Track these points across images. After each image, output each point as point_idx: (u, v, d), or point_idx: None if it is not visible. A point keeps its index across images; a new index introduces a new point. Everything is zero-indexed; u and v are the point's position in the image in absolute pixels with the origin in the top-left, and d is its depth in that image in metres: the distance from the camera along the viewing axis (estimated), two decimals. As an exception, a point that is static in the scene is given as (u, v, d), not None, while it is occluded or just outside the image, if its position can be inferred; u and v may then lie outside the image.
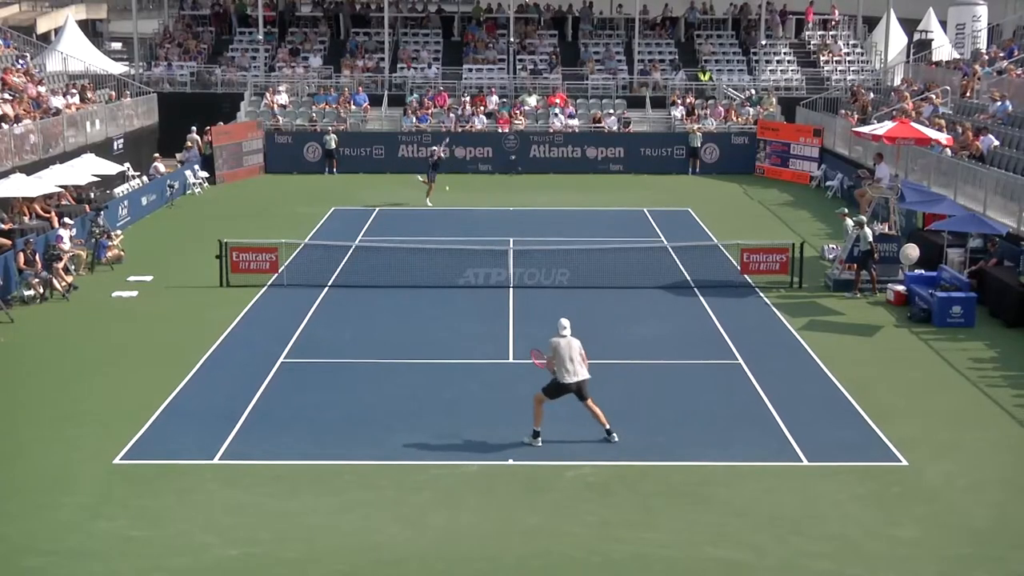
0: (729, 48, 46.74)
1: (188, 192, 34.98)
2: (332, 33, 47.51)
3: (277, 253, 23.91)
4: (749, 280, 23.68)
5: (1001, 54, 36.15)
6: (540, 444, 14.62)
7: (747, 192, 35.96)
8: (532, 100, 41.81)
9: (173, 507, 12.90)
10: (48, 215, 25.40)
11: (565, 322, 14.82)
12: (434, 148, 34.61)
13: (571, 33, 47.85)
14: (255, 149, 39.03)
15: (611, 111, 40.75)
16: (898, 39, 48.12)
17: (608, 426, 14.78)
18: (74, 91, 36.47)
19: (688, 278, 23.98)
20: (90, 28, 64.55)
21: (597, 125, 40.26)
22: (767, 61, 45.12)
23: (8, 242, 22.63)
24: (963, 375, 18.00)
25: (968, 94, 33.91)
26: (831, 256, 24.57)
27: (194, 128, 37.69)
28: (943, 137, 25.46)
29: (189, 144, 37.45)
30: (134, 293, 22.94)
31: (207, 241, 24.90)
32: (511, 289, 23.00)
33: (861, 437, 15.23)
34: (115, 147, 35.59)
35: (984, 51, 38.86)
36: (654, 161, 39.46)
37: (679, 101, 41.50)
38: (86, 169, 28.81)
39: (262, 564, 11.63)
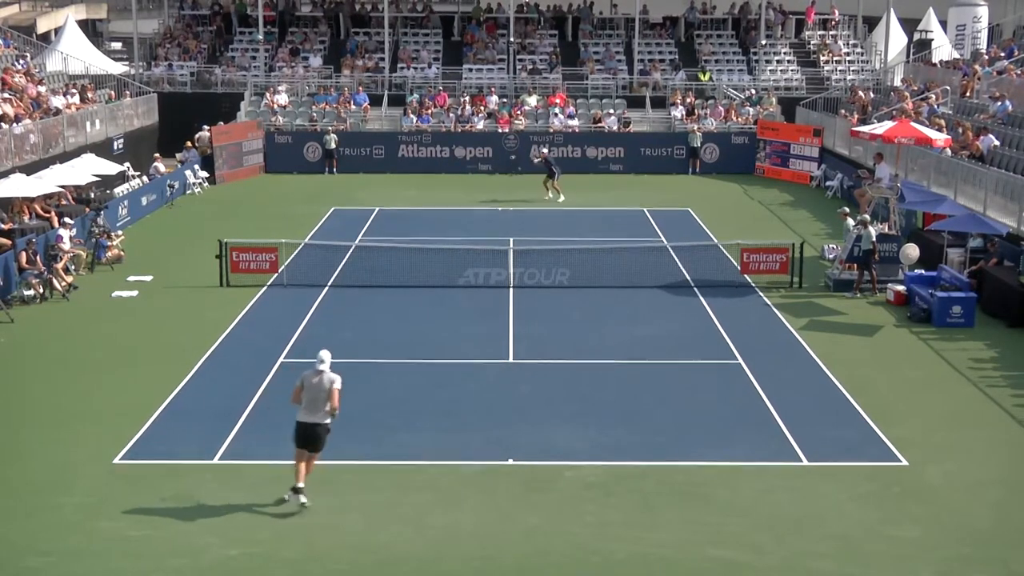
0: (729, 48, 46.74)
1: (188, 192, 34.98)
2: (332, 33, 47.52)
3: (277, 253, 23.91)
4: (749, 280, 23.68)
5: (1001, 54, 36.15)
6: (304, 502, 12.66)
7: (747, 192, 35.96)
8: (532, 100, 41.81)
9: (173, 507, 12.90)
10: (48, 215, 25.40)
11: (325, 355, 12.97)
12: (543, 151, 35.80)
13: (571, 33, 47.85)
14: (255, 149, 39.02)
15: (611, 111, 40.75)
16: (898, 39, 48.12)
17: (302, 484, 12.74)
18: (74, 91, 36.46)
19: (688, 278, 23.98)
20: (90, 28, 64.46)
21: (597, 125, 40.26)
22: (767, 61, 45.12)
23: (8, 242, 22.63)
24: (963, 375, 18.00)
25: (968, 94, 33.91)
26: (831, 256, 24.58)
27: (206, 127, 37.67)
28: (940, 138, 25.45)
29: (190, 144, 37.41)
30: (134, 293, 22.94)
31: (207, 241, 24.90)
32: (511, 289, 23.00)
33: (861, 437, 15.24)
34: (115, 147, 35.58)
35: (984, 51, 38.86)
36: (654, 161, 39.44)
37: (679, 101, 41.50)
38: (86, 169, 28.80)
39: (262, 564, 11.64)
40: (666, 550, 11.99)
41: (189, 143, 37.57)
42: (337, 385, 12.75)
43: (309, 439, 12.80)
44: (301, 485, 12.76)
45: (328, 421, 12.81)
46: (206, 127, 37.75)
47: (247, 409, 16.07)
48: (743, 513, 12.84)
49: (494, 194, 34.71)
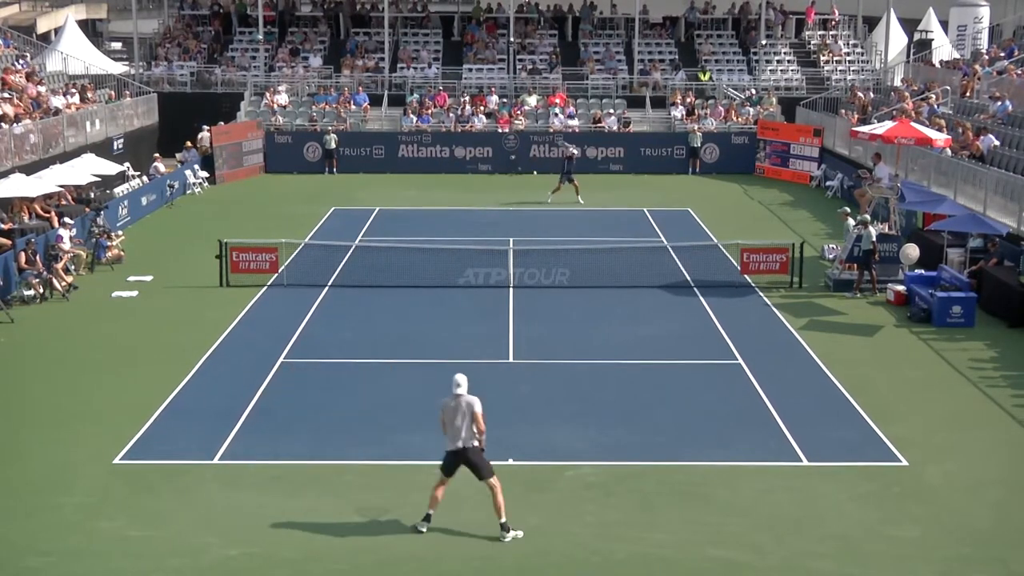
0: (729, 48, 46.73)
1: (188, 192, 34.98)
2: (332, 33, 47.51)
3: (277, 253, 23.91)
4: (749, 280, 23.68)
5: (1001, 54, 36.15)
6: (424, 531, 12.37)
7: (747, 192, 35.96)
8: (532, 100, 41.80)
9: (173, 507, 12.90)
10: (48, 215, 25.40)
11: (461, 379, 12.53)
12: (570, 150, 34.88)
13: (571, 33, 47.85)
14: (255, 149, 39.01)
15: (611, 111, 40.74)
16: (898, 39, 48.12)
17: (503, 520, 12.32)
18: (74, 91, 36.46)
19: (688, 278, 23.98)
20: (90, 28, 64.45)
21: (597, 125, 40.25)
22: (767, 61, 45.12)
23: (8, 242, 22.63)
24: (963, 375, 18.00)
25: (968, 94, 33.91)
26: (831, 256, 24.58)
27: (205, 127, 37.69)
28: (940, 138, 25.46)
29: (189, 144, 37.42)
30: (134, 293, 22.94)
31: (207, 241, 24.90)
32: (511, 289, 23.00)
33: (861, 437, 15.24)
34: (115, 147, 35.58)
35: (984, 51, 38.86)
36: (654, 161, 39.44)
37: (679, 101, 41.49)
38: (86, 169, 28.80)
39: (262, 564, 11.64)
40: (666, 550, 12.00)
41: (189, 143, 37.58)
42: (478, 409, 12.28)
43: (461, 465, 12.36)
44: (432, 512, 12.39)
45: (476, 444, 12.34)
46: (206, 127, 37.74)
47: (247, 409, 16.07)
48: (743, 513, 12.84)
49: (494, 194, 34.69)
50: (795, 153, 38.38)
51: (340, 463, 14.18)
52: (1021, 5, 48.54)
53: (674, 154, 39.65)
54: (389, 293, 22.71)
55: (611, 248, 25.05)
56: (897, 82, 41.69)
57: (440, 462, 12.74)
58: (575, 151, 34.95)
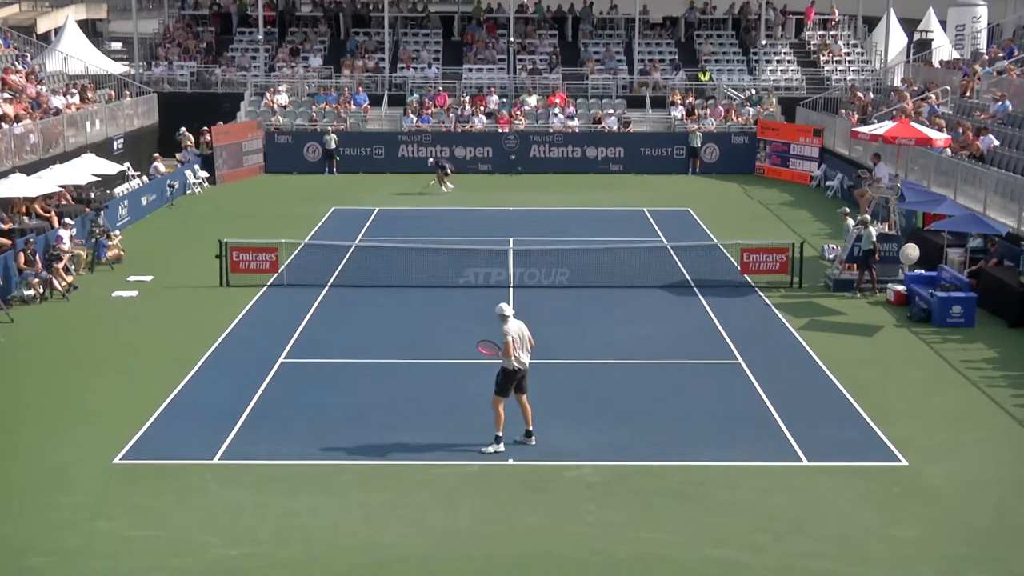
0: (729, 48, 46.73)
1: (188, 192, 34.99)
2: (332, 33, 47.52)
3: (277, 253, 23.91)
4: (749, 280, 23.67)
5: (1001, 54, 36.14)
6: (504, 448, 14.50)
7: (747, 192, 35.96)
8: (532, 100, 41.80)
9: (173, 507, 12.90)
10: (48, 215, 25.40)
11: (506, 306, 14.99)
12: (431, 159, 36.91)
13: (571, 33, 47.85)
14: (255, 149, 39.02)
15: (611, 111, 40.74)
16: (898, 39, 48.11)
17: (531, 428, 14.77)
18: (74, 91, 36.46)
19: (688, 278, 23.98)
20: (90, 28, 64.46)
21: (597, 125, 40.25)
22: (767, 61, 45.12)
23: (8, 242, 22.63)
24: (963, 375, 18.00)
25: (968, 94, 33.91)
26: (831, 256, 24.58)
27: (183, 128, 37.67)
28: (940, 138, 25.46)
29: (188, 143, 37.44)
30: (134, 293, 22.94)
31: (207, 241, 24.91)
32: (511, 289, 23.00)
33: (861, 437, 15.24)
34: (115, 147, 35.58)
35: (984, 51, 38.85)
36: (654, 161, 39.45)
37: (679, 101, 41.49)
38: (86, 169, 28.79)
39: (262, 564, 11.63)
40: (666, 550, 11.99)
41: (189, 143, 37.58)
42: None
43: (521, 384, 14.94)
44: (501, 433, 14.62)
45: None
46: (183, 129, 37.68)
47: (247, 409, 16.06)
48: (743, 513, 12.84)
49: (494, 194, 34.69)
50: (795, 153, 38.39)
51: (340, 463, 14.18)
52: (1020, 5, 48.50)
53: (674, 154, 39.65)
54: (389, 293, 22.71)
55: (611, 248, 25.05)
56: (897, 82, 41.67)
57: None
58: (432, 159, 36.84)
